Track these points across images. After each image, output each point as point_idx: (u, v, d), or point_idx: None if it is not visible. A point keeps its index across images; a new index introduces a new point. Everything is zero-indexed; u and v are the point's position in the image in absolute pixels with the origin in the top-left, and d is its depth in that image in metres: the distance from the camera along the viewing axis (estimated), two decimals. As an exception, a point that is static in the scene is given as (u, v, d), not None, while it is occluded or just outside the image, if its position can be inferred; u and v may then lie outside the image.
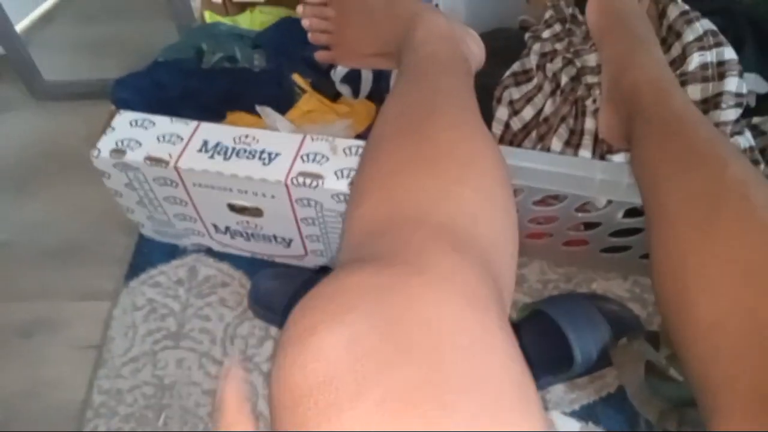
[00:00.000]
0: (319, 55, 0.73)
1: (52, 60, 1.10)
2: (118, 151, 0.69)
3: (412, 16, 0.60)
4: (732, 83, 0.60)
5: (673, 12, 0.66)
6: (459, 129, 0.44)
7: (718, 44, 0.62)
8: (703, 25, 0.63)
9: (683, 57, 0.63)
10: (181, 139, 0.70)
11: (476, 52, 0.65)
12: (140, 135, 0.71)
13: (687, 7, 0.65)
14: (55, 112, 1.07)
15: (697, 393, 0.37)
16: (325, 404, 0.25)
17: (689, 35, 0.63)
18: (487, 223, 0.38)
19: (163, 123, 0.72)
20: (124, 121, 0.73)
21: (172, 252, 0.82)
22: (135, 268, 0.81)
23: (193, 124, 0.71)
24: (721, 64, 0.61)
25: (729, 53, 0.61)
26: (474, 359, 0.26)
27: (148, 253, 0.83)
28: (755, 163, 0.61)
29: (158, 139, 0.70)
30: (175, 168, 0.67)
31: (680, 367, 0.64)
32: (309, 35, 0.73)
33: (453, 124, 0.44)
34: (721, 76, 0.61)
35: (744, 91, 0.61)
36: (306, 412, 0.25)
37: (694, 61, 0.62)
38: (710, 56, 0.62)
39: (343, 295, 0.29)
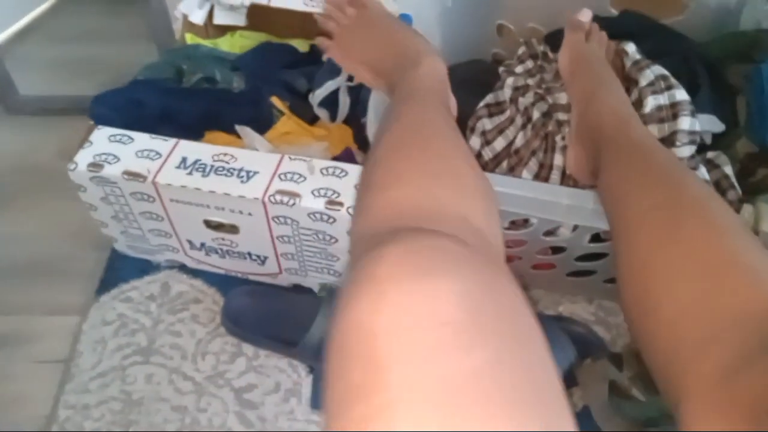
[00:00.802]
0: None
1: (28, 76, 1.10)
2: (95, 165, 0.69)
3: (420, 53, 0.63)
4: (685, 122, 0.65)
5: (627, 62, 0.72)
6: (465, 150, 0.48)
7: (669, 87, 0.67)
8: (654, 71, 0.69)
9: (640, 101, 0.67)
10: (160, 155, 0.71)
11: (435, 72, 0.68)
12: (118, 150, 0.71)
13: (639, 57, 0.71)
14: (29, 127, 1.06)
15: (663, 385, 0.39)
16: (440, 347, 0.24)
17: (642, 81, 0.69)
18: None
19: (142, 139, 0.73)
20: (103, 135, 0.73)
21: (145, 268, 0.82)
22: (106, 283, 0.81)
23: (172, 141, 0.72)
24: (673, 105, 0.66)
25: (680, 95, 0.66)
26: (543, 351, 0.28)
27: (121, 269, 0.82)
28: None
29: (137, 154, 0.71)
30: (153, 183, 0.68)
31: (642, 386, 0.66)
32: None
33: (458, 144, 0.48)
34: (675, 116, 0.66)
35: (697, 128, 0.65)
36: (416, 351, 0.24)
37: (649, 104, 0.67)
38: (662, 99, 0.67)
39: (442, 250, 0.29)
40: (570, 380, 0.69)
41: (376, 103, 0.70)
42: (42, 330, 0.79)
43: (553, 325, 0.71)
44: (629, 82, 0.70)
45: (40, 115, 1.07)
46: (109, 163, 0.70)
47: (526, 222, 0.64)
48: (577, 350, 0.70)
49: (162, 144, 0.72)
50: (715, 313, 0.38)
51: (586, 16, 0.74)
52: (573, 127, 0.67)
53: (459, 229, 0.36)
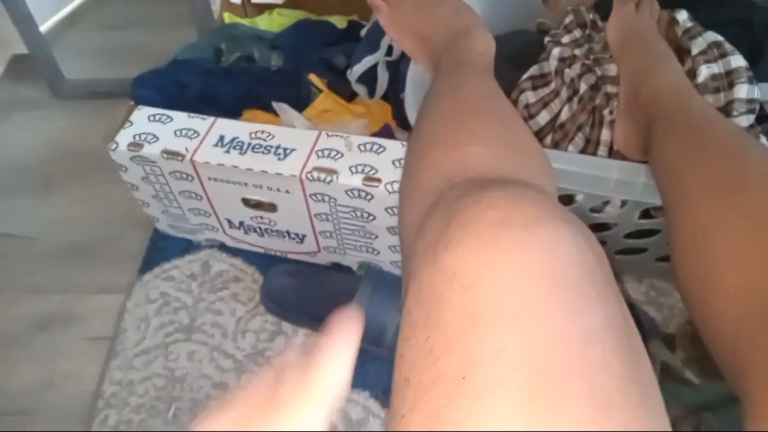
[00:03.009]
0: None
1: (74, 61, 1.13)
2: (135, 145, 0.70)
3: (470, 25, 0.62)
4: (742, 90, 0.60)
5: (678, 31, 0.68)
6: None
7: (723, 54, 0.63)
8: (706, 38, 0.64)
9: (693, 71, 0.63)
10: (198, 133, 0.70)
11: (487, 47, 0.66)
12: (158, 129, 0.71)
13: (690, 25, 0.67)
14: (77, 112, 1.08)
15: (726, 363, 0.37)
16: (553, 304, 0.22)
17: (694, 50, 0.65)
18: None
19: (181, 118, 0.73)
20: (143, 116, 0.74)
21: (186, 247, 0.83)
22: (149, 263, 0.82)
23: (210, 119, 0.72)
24: (729, 73, 0.62)
25: (736, 61, 0.62)
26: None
27: (163, 248, 0.83)
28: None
29: (175, 133, 0.71)
30: (191, 161, 0.68)
31: (697, 369, 0.63)
32: None
33: (520, 117, 0.47)
34: (731, 85, 0.61)
35: (756, 96, 0.60)
36: (526, 306, 0.22)
37: (703, 73, 0.63)
38: (717, 67, 0.63)
39: (546, 201, 0.28)
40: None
41: (414, 77, 0.68)
42: (89, 309, 0.81)
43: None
44: (682, 53, 0.66)
45: (87, 99, 1.09)
46: (149, 142, 0.70)
47: (570, 198, 0.61)
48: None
49: (200, 122, 0.72)
50: None
51: None
52: (622, 101, 0.63)
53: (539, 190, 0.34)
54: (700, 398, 0.64)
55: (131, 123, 0.73)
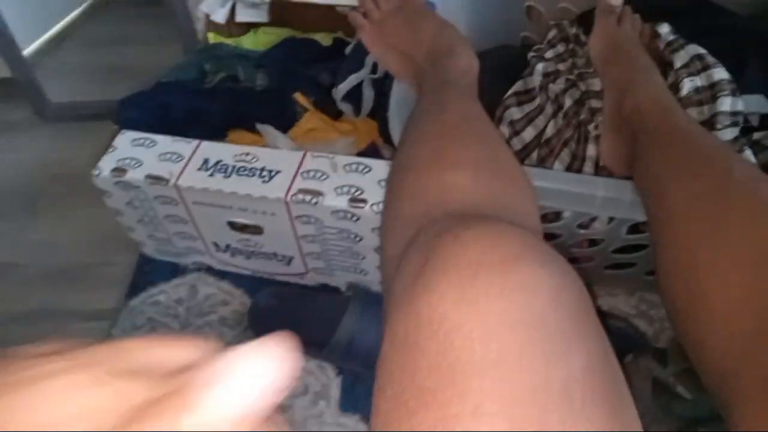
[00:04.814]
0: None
1: (59, 83, 1.12)
2: (119, 170, 0.69)
3: (453, 44, 0.61)
4: (726, 103, 0.60)
5: (660, 44, 0.67)
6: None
7: (706, 67, 0.63)
8: (689, 51, 0.64)
9: (676, 84, 0.63)
10: (182, 157, 0.70)
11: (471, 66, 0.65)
12: (141, 154, 0.71)
13: (672, 37, 0.67)
14: (62, 134, 1.08)
15: (713, 385, 0.36)
16: (533, 351, 0.22)
17: (677, 63, 0.65)
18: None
19: (165, 142, 0.72)
20: (126, 140, 0.73)
21: (172, 271, 0.82)
22: (135, 288, 0.81)
23: (194, 142, 0.72)
24: (712, 86, 0.62)
25: (719, 74, 0.62)
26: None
27: (149, 272, 0.82)
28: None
29: (159, 157, 0.70)
30: (176, 186, 0.67)
31: (689, 383, 0.62)
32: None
33: (502, 139, 0.48)
34: (714, 98, 0.61)
35: (740, 108, 0.60)
36: (506, 354, 0.22)
37: (686, 86, 0.63)
38: (700, 80, 0.63)
39: (526, 239, 0.27)
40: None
41: (398, 95, 0.67)
42: (75, 335, 0.79)
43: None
44: (665, 66, 0.66)
45: (73, 121, 1.08)
46: (133, 167, 0.69)
47: (557, 215, 0.61)
48: (617, 346, 0.67)
49: (184, 146, 0.71)
50: None
51: None
52: (606, 116, 0.63)
53: (518, 222, 0.34)
54: (693, 412, 0.63)
55: (114, 148, 0.72)
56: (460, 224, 0.28)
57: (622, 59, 0.65)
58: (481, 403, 0.21)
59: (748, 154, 0.60)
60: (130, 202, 0.72)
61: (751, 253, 0.37)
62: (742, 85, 0.63)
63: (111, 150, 0.72)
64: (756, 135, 0.61)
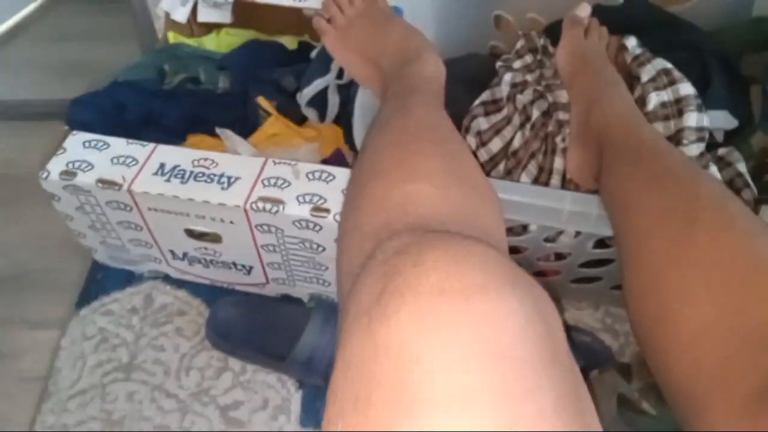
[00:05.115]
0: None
1: (10, 80, 1.07)
2: (68, 173, 0.66)
3: (420, 50, 0.60)
4: (692, 118, 0.60)
5: (628, 58, 0.67)
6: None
7: (672, 82, 0.63)
8: (656, 65, 0.64)
9: (642, 98, 0.63)
10: (137, 161, 0.67)
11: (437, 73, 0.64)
12: (93, 157, 0.67)
13: (639, 51, 0.67)
14: (13, 133, 1.02)
15: (679, 408, 0.36)
16: (499, 388, 0.20)
17: (644, 77, 0.64)
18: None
19: (119, 145, 0.69)
20: (77, 142, 0.69)
21: (127, 279, 0.79)
22: (87, 296, 0.77)
23: (150, 146, 0.68)
24: (678, 101, 0.62)
25: (685, 89, 0.62)
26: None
27: (102, 280, 0.79)
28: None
29: (112, 161, 0.67)
30: (129, 191, 0.64)
31: (654, 399, 0.62)
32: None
33: (467, 147, 0.46)
34: (681, 113, 0.61)
35: (705, 124, 0.61)
36: (470, 391, 0.20)
37: (652, 101, 0.63)
38: (666, 95, 0.63)
39: (491, 261, 0.25)
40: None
41: (363, 102, 0.66)
42: (20, 346, 0.75)
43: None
44: (632, 79, 0.66)
45: (23, 120, 1.03)
46: (83, 170, 0.66)
47: (524, 228, 0.60)
48: (583, 361, 0.66)
49: (139, 149, 0.68)
50: (741, 327, 0.33)
51: (584, 10, 0.70)
52: (573, 128, 0.62)
53: (482, 236, 0.32)
54: (657, 428, 0.63)
55: (64, 149, 0.69)
56: (422, 243, 0.26)
57: (588, 72, 0.64)
58: None
59: (714, 170, 0.60)
60: (81, 206, 0.69)
61: (719, 273, 0.36)
62: (706, 101, 0.63)
63: (60, 152, 0.68)
64: (720, 151, 0.62)
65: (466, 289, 0.22)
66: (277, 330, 0.71)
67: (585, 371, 0.66)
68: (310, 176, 0.65)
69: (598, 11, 0.72)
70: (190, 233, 0.69)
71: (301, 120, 0.86)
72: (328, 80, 0.81)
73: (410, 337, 0.21)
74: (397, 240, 0.28)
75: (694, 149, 0.60)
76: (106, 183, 0.65)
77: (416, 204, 0.34)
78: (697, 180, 0.44)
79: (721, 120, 0.64)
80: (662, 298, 0.38)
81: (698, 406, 0.34)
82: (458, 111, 0.73)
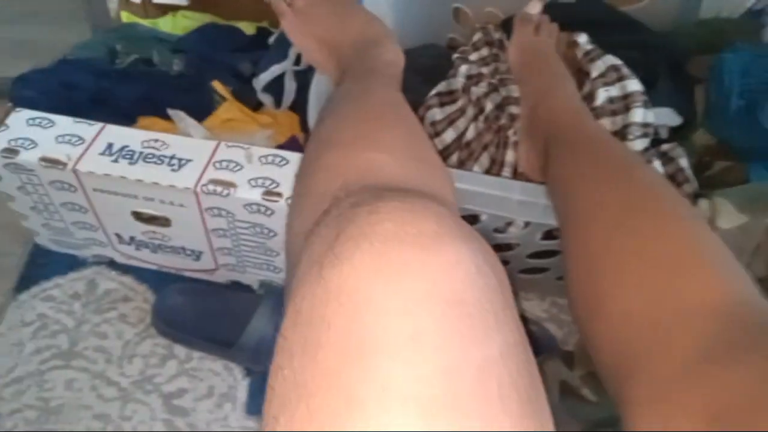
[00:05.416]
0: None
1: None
2: (9, 151, 0.63)
3: (380, 36, 0.61)
4: (638, 114, 0.62)
5: (578, 54, 0.69)
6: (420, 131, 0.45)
7: (620, 78, 0.64)
8: (606, 61, 0.66)
9: (591, 93, 0.64)
10: (83, 140, 0.65)
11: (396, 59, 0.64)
12: (37, 134, 0.65)
13: (589, 47, 0.68)
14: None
15: (611, 389, 0.36)
16: (449, 332, 0.20)
17: (593, 72, 0.66)
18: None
19: (64, 123, 0.67)
20: (21, 119, 0.67)
21: (70, 264, 0.76)
22: (26, 281, 0.74)
23: (98, 125, 0.66)
24: (626, 96, 0.64)
25: (632, 85, 0.63)
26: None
27: (44, 265, 0.76)
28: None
29: (57, 139, 0.65)
30: (74, 171, 0.62)
31: (594, 386, 0.64)
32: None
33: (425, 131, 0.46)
34: (627, 108, 0.63)
35: (650, 120, 0.62)
36: (420, 334, 0.20)
37: (600, 96, 0.64)
38: (614, 90, 0.64)
39: (446, 215, 0.25)
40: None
41: (318, 88, 0.65)
42: (-46, 330, 0.72)
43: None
44: (582, 75, 0.68)
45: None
46: (26, 148, 0.64)
47: (474, 218, 0.61)
48: (529, 350, 0.67)
49: (86, 128, 0.66)
50: (668, 311, 0.34)
51: (535, 8, 0.71)
52: (522, 122, 0.64)
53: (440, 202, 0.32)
54: (597, 414, 0.64)
55: (7, 126, 0.66)
56: (378, 196, 0.26)
57: (537, 68, 0.66)
58: (390, 385, 0.19)
59: (657, 165, 0.61)
60: (23, 186, 0.66)
61: (651, 259, 0.37)
62: (653, 98, 0.65)
63: (2, 129, 0.65)
64: (664, 147, 0.63)
65: (420, 236, 0.22)
66: (225, 317, 0.70)
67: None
68: (263, 160, 0.64)
69: (551, 9, 0.73)
70: (138, 216, 0.67)
71: (256, 106, 0.85)
72: (285, 66, 0.81)
73: (363, 282, 0.21)
74: (353, 197, 0.28)
75: (639, 144, 0.61)
76: (49, 162, 0.62)
77: (375, 171, 0.34)
78: (636, 170, 0.45)
79: (667, 117, 0.66)
80: (597, 281, 0.40)
81: (626, 383, 0.34)
82: (413, 101, 0.72)
